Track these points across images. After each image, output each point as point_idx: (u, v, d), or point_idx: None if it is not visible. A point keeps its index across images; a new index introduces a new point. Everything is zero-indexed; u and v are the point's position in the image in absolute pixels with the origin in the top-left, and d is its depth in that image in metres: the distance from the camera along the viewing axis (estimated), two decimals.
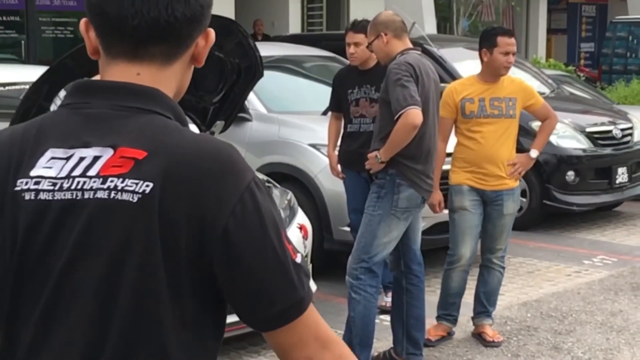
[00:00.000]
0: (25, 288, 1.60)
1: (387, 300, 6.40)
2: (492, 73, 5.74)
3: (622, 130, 9.95)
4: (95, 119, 1.61)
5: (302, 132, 7.50)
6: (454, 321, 6.02)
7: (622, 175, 9.73)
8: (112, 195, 1.55)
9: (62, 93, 4.53)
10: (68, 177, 1.58)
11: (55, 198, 1.57)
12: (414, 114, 5.00)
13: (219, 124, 6.61)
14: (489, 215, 5.79)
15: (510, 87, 5.79)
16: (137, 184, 1.54)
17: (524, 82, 6.12)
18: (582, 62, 22.77)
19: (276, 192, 6.25)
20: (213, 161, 1.57)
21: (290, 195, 6.30)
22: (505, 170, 5.75)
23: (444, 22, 18.70)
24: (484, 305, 5.98)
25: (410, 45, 5.41)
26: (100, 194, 1.55)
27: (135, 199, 1.54)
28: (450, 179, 5.84)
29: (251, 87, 6.50)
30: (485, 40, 5.75)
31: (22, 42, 12.87)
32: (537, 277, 7.77)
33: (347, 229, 6.71)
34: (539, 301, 6.99)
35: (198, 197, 1.54)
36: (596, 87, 14.92)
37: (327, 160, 6.77)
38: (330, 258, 7.26)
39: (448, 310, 5.98)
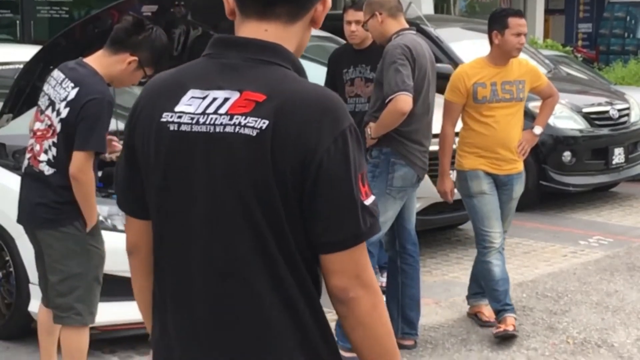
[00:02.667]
0: (168, 204, 1.98)
1: (382, 280, 6.39)
2: (503, 55, 5.61)
3: (619, 110, 9.93)
4: (228, 67, 1.98)
5: None
6: (513, 309, 5.78)
7: (618, 155, 9.73)
8: (237, 129, 1.90)
9: (55, 73, 4.51)
10: (203, 113, 1.94)
11: (193, 130, 1.94)
12: (404, 100, 5.03)
13: None
14: (499, 199, 5.71)
15: (519, 70, 5.69)
16: (256, 121, 1.89)
17: (530, 63, 6.04)
18: (579, 42, 22.72)
19: None
20: (318, 106, 1.91)
21: None
22: (516, 154, 5.70)
23: (441, 2, 18.63)
24: (481, 287, 5.94)
25: (406, 25, 5.38)
26: (229, 129, 1.91)
27: (254, 134, 1.88)
28: (462, 164, 5.68)
29: None
30: (496, 22, 5.61)
31: (17, 22, 12.80)
32: (532, 258, 7.77)
33: None
34: (534, 281, 7.00)
35: (302, 135, 1.87)
36: (593, 68, 14.89)
37: None
38: None
39: (502, 301, 5.71)
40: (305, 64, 7.91)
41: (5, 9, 12.81)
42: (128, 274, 2.28)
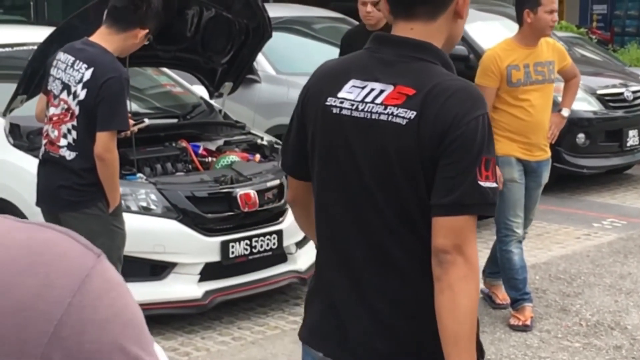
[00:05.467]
0: (327, 174, 2.36)
1: None
2: (535, 35, 5.49)
3: (634, 92, 9.86)
4: (384, 62, 2.31)
5: None
6: (531, 298, 5.74)
7: (633, 138, 9.67)
8: (390, 118, 2.23)
9: (62, 55, 4.50)
10: (362, 101, 2.28)
11: (352, 115, 2.29)
12: None
13: (228, 85, 6.59)
14: (526, 186, 5.61)
15: (548, 50, 5.60)
16: (406, 112, 2.21)
17: (557, 42, 5.96)
18: (594, 24, 22.55)
19: None
20: (458, 94, 2.21)
21: None
22: (546, 139, 5.62)
23: None
24: (498, 265, 5.89)
25: None
26: (383, 117, 2.24)
27: (404, 123, 2.21)
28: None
29: (259, 48, 6.46)
30: (528, 0, 5.45)
31: (31, 3, 12.81)
32: (546, 240, 7.76)
33: None
34: (547, 264, 6.99)
35: (442, 118, 2.18)
36: (608, 50, 14.78)
37: None
38: None
39: (521, 289, 5.65)
40: (318, 45, 7.97)
41: None
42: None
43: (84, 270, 0.89)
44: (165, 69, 7.01)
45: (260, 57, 7.43)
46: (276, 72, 7.96)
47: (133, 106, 5.77)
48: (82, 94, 4.31)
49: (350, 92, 2.30)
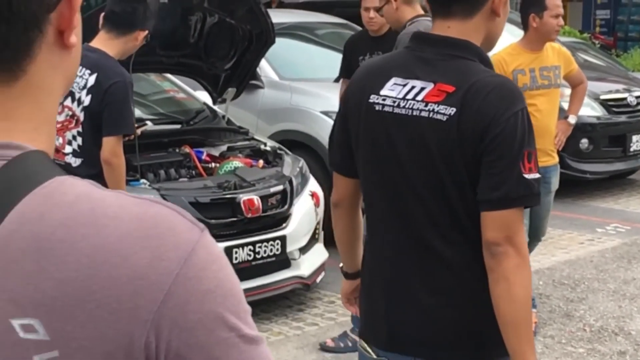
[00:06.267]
0: (373, 169, 2.44)
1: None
2: (540, 39, 5.48)
3: (637, 97, 9.86)
4: (424, 60, 2.39)
5: (314, 99, 7.47)
6: (535, 304, 5.66)
7: (636, 143, 9.66)
8: (430, 115, 2.31)
9: None
10: (403, 98, 2.36)
11: (394, 112, 2.37)
12: None
13: (231, 90, 6.60)
14: None
15: (554, 55, 5.59)
16: (446, 109, 2.29)
17: (562, 47, 5.96)
18: (597, 29, 22.56)
19: (288, 160, 6.23)
20: (497, 91, 2.29)
21: (302, 162, 6.29)
22: (552, 144, 5.61)
23: None
24: None
25: (421, 12, 5.36)
26: (423, 114, 2.32)
27: (445, 119, 2.29)
28: None
29: (263, 53, 6.48)
30: (533, 4, 5.45)
31: None
32: (549, 245, 7.74)
33: None
34: (551, 269, 6.98)
35: (482, 114, 2.25)
36: (611, 55, 14.78)
37: None
38: None
39: None
40: (321, 51, 7.96)
41: None
42: None
43: (190, 243, 0.95)
44: (168, 75, 7.02)
45: (263, 63, 7.43)
46: (279, 78, 7.96)
47: (137, 112, 5.78)
48: (86, 100, 4.32)
49: (392, 90, 2.37)
